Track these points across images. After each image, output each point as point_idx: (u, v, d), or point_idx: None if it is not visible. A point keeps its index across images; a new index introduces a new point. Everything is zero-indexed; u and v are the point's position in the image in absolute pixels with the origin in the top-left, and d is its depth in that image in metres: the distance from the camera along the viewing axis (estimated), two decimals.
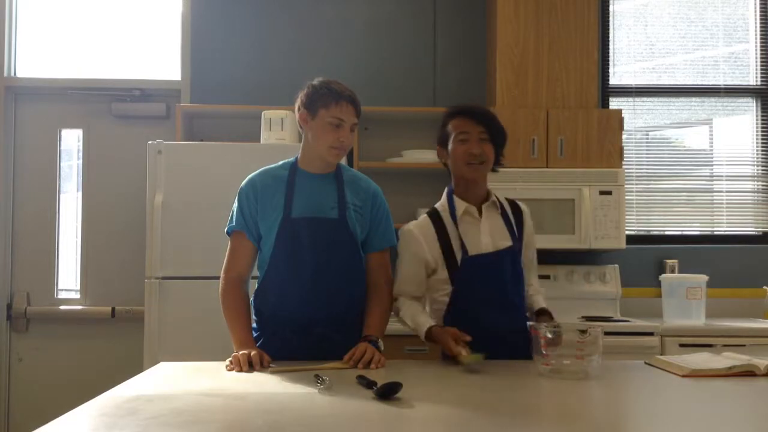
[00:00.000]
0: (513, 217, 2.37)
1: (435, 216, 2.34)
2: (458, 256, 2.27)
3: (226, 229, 2.33)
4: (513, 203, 2.42)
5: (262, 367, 2.03)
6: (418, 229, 2.33)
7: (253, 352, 2.05)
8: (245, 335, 2.19)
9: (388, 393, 1.63)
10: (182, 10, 4.27)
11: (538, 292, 2.42)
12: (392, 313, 2.37)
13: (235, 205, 2.30)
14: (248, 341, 2.17)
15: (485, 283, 2.26)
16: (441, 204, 2.37)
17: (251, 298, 2.33)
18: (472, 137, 2.25)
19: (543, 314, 2.31)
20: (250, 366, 2.02)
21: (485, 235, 2.29)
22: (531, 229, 2.42)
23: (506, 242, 2.31)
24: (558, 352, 1.94)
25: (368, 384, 1.73)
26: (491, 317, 2.22)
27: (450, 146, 2.30)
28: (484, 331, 2.15)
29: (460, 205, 2.32)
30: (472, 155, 2.25)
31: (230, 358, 2.07)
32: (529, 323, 2.09)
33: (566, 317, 3.25)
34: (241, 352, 2.06)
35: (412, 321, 2.27)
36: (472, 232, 2.29)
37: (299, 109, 2.26)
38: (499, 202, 2.37)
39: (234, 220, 2.29)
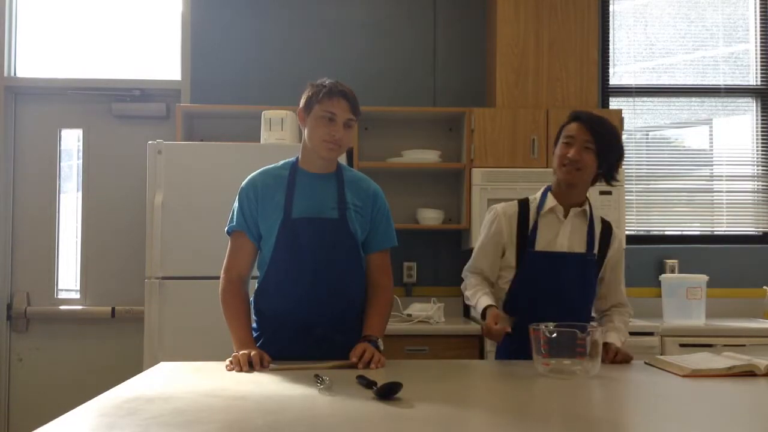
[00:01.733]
0: (601, 234, 2.37)
1: (524, 204, 2.39)
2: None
3: (226, 229, 2.32)
4: (606, 223, 2.42)
5: (262, 367, 2.03)
6: (503, 210, 2.39)
7: (253, 352, 2.05)
8: (245, 335, 2.19)
9: (388, 393, 1.63)
10: (182, 10, 4.28)
11: (616, 329, 2.35)
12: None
13: (236, 204, 2.30)
14: (248, 341, 2.17)
15: (545, 280, 2.29)
16: (534, 196, 2.41)
17: (251, 298, 2.33)
18: (576, 142, 2.26)
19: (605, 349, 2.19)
20: (250, 366, 2.02)
21: (563, 237, 2.32)
22: (619, 253, 2.41)
23: (581, 249, 2.33)
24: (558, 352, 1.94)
25: (368, 384, 1.73)
26: (546, 313, 2.15)
27: (556, 148, 2.34)
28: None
29: (550, 201, 2.35)
30: (569, 159, 2.26)
31: (230, 358, 2.07)
32: (530, 325, 2.06)
33: None
34: (241, 352, 2.06)
35: (473, 297, 2.32)
36: (550, 230, 2.33)
37: (299, 109, 2.27)
38: (591, 214, 2.37)
39: (234, 219, 2.29)
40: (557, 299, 2.28)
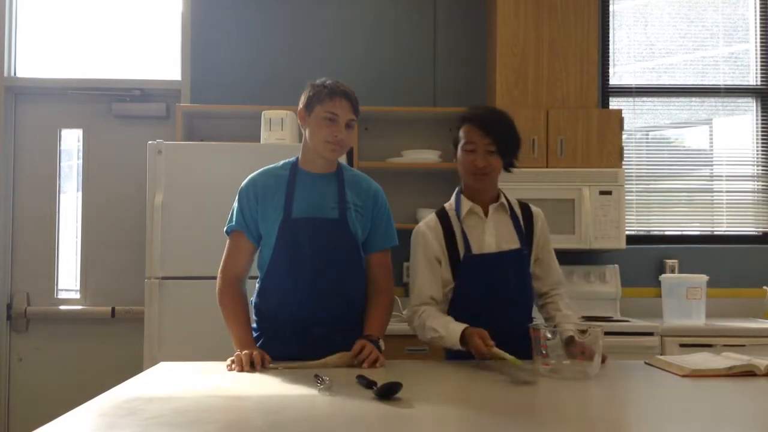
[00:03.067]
0: (523, 219, 2.36)
1: (443, 214, 2.36)
2: (462, 254, 2.27)
3: (225, 229, 2.32)
4: (525, 206, 2.41)
5: (263, 367, 2.03)
6: (426, 228, 2.34)
7: (254, 352, 2.05)
8: (245, 335, 2.19)
9: (388, 393, 1.63)
10: (182, 10, 4.28)
11: (567, 315, 2.31)
12: (409, 325, 2.34)
13: (236, 204, 2.30)
14: (248, 341, 2.17)
15: (486, 283, 2.26)
16: (449, 203, 2.39)
17: (252, 298, 2.32)
18: (478, 148, 2.24)
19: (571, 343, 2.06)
20: (251, 366, 2.02)
21: (489, 236, 2.29)
22: (543, 232, 2.39)
23: (512, 244, 2.30)
24: (558, 352, 1.94)
25: (368, 384, 1.73)
26: (492, 317, 2.20)
27: (458, 153, 2.31)
28: (488, 327, 2.13)
29: (466, 204, 2.32)
30: (477, 167, 2.25)
31: (231, 358, 2.07)
32: (531, 325, 2.07)
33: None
34: (243, 352, 2.06)
35: (444, 328, 2.18)
36: (476, 231, 2.30)
37: (299, 109, 2.27)
38: (509, 204, 2.36)
39: (234, 219, 2.28)
40: (501, 300, 2.25)
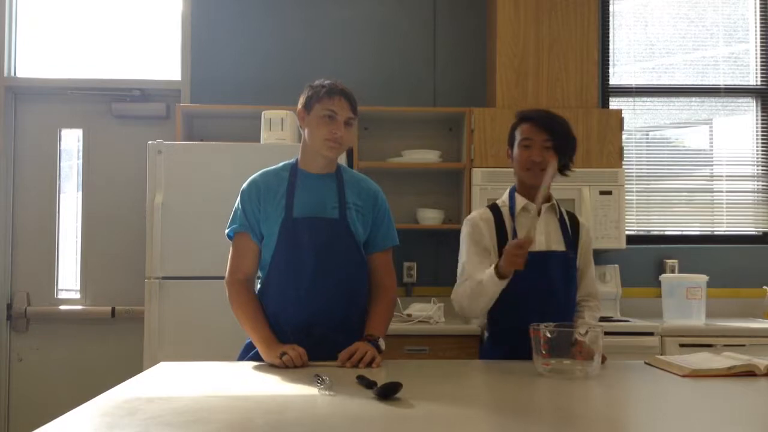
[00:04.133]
0: (570, 226, 2.39)
1: (495, 209, 2.38)
2: None
3: (227, 231, 2.31)
4: (572, 216, 2.44)
5: (305, 364, 2.06)
6: (480, 219, 2.36)
7: (300, 350, 2.07)
8: (266, 333, 2.17)
9: (388, 393, 1.63)
10: (182, 10, 4.28)
11: (585, 324, 2.30)
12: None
13: (238, 206, 2.29)
14: (271, 338, 2.16)
15: (532, 280, 2.25)
16: (502, 200, 2.41)
17: None
18: (535, 144, 2.27)
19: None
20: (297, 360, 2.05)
21: (540, 234, 2.31)
22: (588, 243, 2.43)
23: (560, 246, 2.34)
24: (558, 352, 1.94)
25: (368, 384, 1.73)
26: (536, 314, 2.13)
27: (515, 151, 2.33)
28: (527, 326, 2.09)
29: (520, 201, 2.35)
30: (533, 162, 2.27)
31: (278, 357, 2.06)
32: (531, 325, 2.06)
33: None
34: (291, 353, 2.06)
35: (483, 274, 2.20)
36: (527, 229, 2.30)
37: (298, 110, 2.28)
38: (559, 208, 2.40)
39: (237, 221, 2.28)
40: (545, 299, 2.27)
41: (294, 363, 2.04)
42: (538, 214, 2.29)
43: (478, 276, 2.24)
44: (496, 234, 2.33)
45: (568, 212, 2.44)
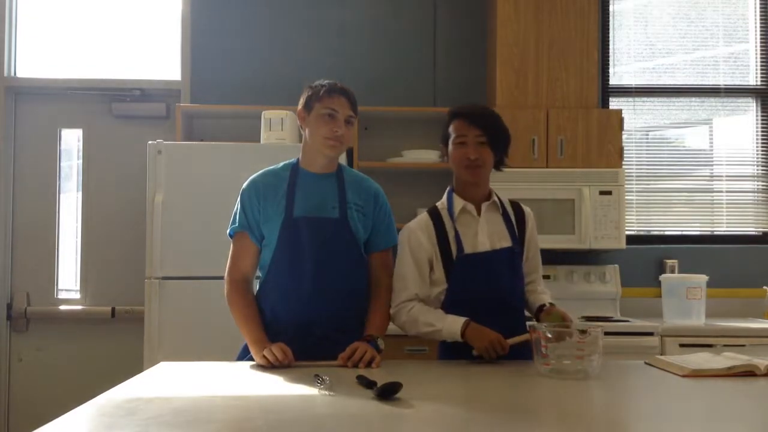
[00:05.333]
0: (515, 218, 2.37)
1: (434, 214, 2.35)
2: (454, 254, 2.27)
3: (228, 231, 2.32)
4: (516, 205, 2.42)
5: (290, 363, 2.05)
6: (417, 227, 2.34)
7: (282, 347, 2.07)
8: (259, 335, 2.18)
9: (388, 393, 1.63)
10: (182, 10, 4.28)
11: (543, 293, 2.41)
12: (394, 322, 2.34)
13: (238, 206, 2.30)
14: (263, 339, 2.16)
15: (480, 282, 2.26)
16: (441, 202, 2.38)
17: None
18: (469, 140, 2.25)
19: (542, 311, 2.28)
20: (278, 360, 2.04)
21: (482, 235, 2.29)
22: (533, 231, 2.41)
23: (505, 243, 2.31)
24: (558, 352, 1.94)
25: (368, 384, 1.73)
26: (487, 317, 2.21)
27: (450, 148, 2.32)
28: (483, 325, 2.18)
29: (459, 203, 2.32)
30: (469, 159, 2.25)
31: (261, 357, 2.07)
32: (529, 324, 2.08)
33: None
34: (274, 349, 2.06)
35: (439, 321, 2.21)
36: (469, 230, 2.30)
37: (298, 110, 2.28)
38: (501, 202, 2.37)
39: (237, 221, 2.28)
40: (495, 299, 2.26)
41: (278, 360, 2.03)
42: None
43: (432, 318, 2.23)
44: (438, 241, 2.29)
45: (512, 202, 2.42)
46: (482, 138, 2.25)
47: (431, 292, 2.31)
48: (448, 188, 2.39)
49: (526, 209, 2.43)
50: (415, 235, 2.31)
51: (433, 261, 2.30)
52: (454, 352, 2.27)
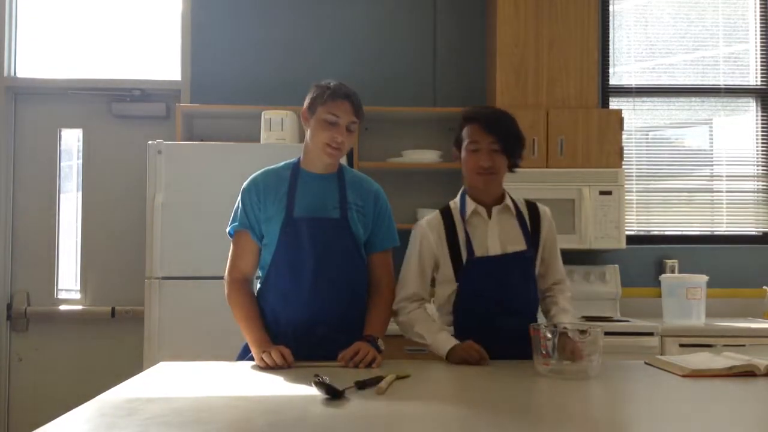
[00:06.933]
0: (530, 219, 2.33)
1: (446, 213, 2.33)
2: (464, 256, 2.26)
3: (228, 230, 2.32)
4: (532, 205, 2.37)
5: (290, 364, 2.05)
6: (427, 225, 2.33)
7: (282, 348, 2.07)
8: (260, 335, 2.17)
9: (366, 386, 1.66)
10: (182, 10, 4.28)
11: (564, 310, 2.32)
12: (393, 318, 2.35)
13: (239, 204, 2.30)
14: (264, 340, 2.15)
15: (489, 286, 2.24)
16: (454, 202, 2.36)
17: None
18: (482, 147, 2.21)
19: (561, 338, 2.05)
20: (278, 361, 2.04)
21: (493, 238, 2.27)
22: (549, 232, 2.36)
23: (517, 246, 2.28)
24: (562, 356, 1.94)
25: (361, 386, 1.73)
26: (496, 319, 2.20)
27: (462, 153, 2.28)
28: (490, 330, 2.18)
29: (470, 205, 2.29)
30: (482, 167, 2.22)
31: (260, 358, 2.07)
32: (531, 324, 2.07)
33: None
34: (272, 349, 2.06)
35: (430, 336, 2.23)
36: (480, 233, 2.28)
37: (303, 110, 2.27)
38: (515, 204, 2.33)
39: (237, 219, 2.28)
40: (503, 302, 2.23)
41: (276, 363, 2.03)
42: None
43: (425, 331, 2.25)
44: (447, 242, 2.28)
45: (528, 203, 2.37)
46: (496, 145, 2.20)
47: (438, 290, 2.31)
48: (462, 189, 2.37)
49: (543, 209, 2.38)
50: (425, 233, 2.31)
51: (440, 260, 2.29)
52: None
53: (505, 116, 2.28)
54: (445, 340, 2.20)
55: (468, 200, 2.31)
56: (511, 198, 2.34)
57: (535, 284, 2.34)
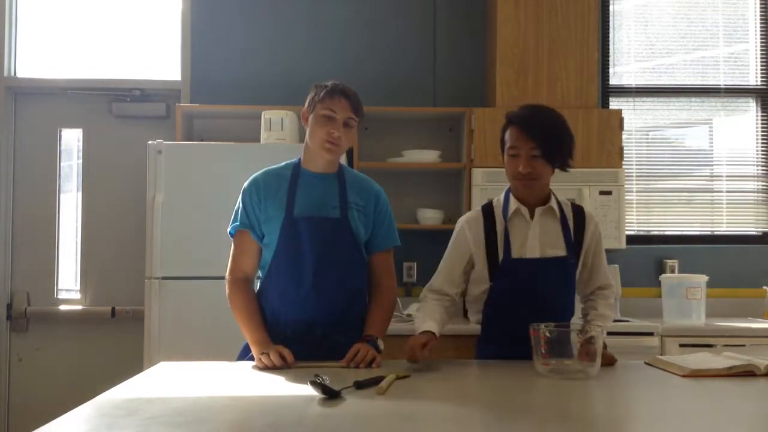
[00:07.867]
0: (574, 224, 2.27)
1: (487, 211, 2.29)
2: (501, 255, 2.22)
3: (229, 230, 2.32)
4: (578, 209, 2.31)
5: (290, 365, 2.04)
6: (466, 221, 2.31)
7: (282, 349, 2.07)
8: (261, 335, 2.17)
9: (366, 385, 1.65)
10: (182, 10, 4.27)
11: (602, 316, 2.28)
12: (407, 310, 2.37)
13: (239, 204, 2.30)
14: (265, 340, 2.15)
15: (523, 289, 2.20)
16: (497, 199, 2.31)
17: None
18: (522, 153, 2.14)
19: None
20: (278, 363, 2.04)
21: (533, 240, 2.22)
22: (594, 238, 2.30)
23: (557, 251, 2.23)
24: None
25: (359, 386, 1.74)
26: (527, 320, 2.09)
27: (504, 156, 2.23)
28: (518, 334, 2.07)
29: (513, 204, 2.24)
30: (521, 174, 2.16)
31: (259, 359, 2.07)
32: (531, 324, 2.06)
33: None
34: (271, 350, 2.06)
35: (419, 321, 2.24)
36: (520, 233, 2.23)
37: (303, 110, 2.28)
38: (560, 207, 2.28)
39: (238, 219, 2.28)
40: (536, 306, 2.17)
41: (274, 364, 2.03)
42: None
43: (420, 318, 2.26)
44: (485, 239, 2.24)
45: (574, 206, 2.31)
46: (536, 152, 2.13)
47: (472, 289, 2.30)
48: (507, 187, 2.30)
49: (589, 213, 2.32)
50: (463, 229, 2.29)
51: (476, 258, 2.26)
52: (486, 349, 2.29)
53: (548, 118, 2.19)
54: (418, 329, 2.20)
55: (512, 199, 2.25)
56: (557, 200, 2.29)
57: (573, 291, 2.29)
